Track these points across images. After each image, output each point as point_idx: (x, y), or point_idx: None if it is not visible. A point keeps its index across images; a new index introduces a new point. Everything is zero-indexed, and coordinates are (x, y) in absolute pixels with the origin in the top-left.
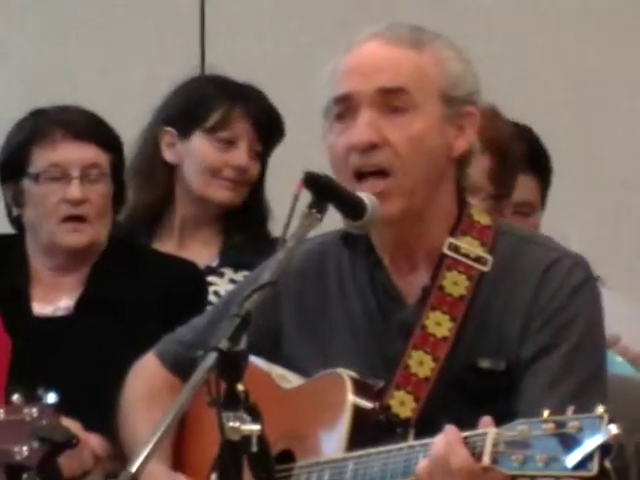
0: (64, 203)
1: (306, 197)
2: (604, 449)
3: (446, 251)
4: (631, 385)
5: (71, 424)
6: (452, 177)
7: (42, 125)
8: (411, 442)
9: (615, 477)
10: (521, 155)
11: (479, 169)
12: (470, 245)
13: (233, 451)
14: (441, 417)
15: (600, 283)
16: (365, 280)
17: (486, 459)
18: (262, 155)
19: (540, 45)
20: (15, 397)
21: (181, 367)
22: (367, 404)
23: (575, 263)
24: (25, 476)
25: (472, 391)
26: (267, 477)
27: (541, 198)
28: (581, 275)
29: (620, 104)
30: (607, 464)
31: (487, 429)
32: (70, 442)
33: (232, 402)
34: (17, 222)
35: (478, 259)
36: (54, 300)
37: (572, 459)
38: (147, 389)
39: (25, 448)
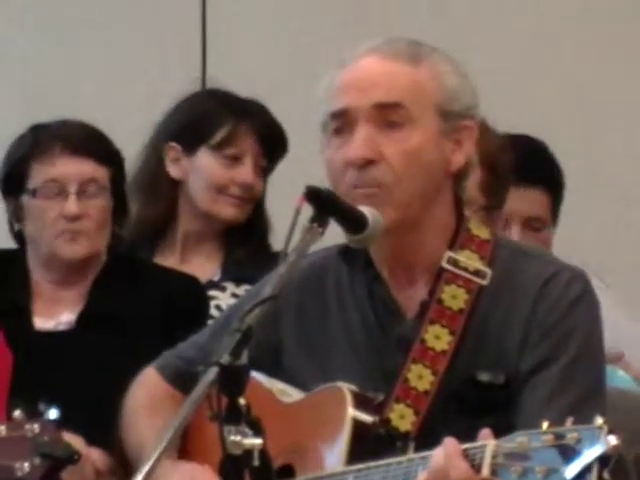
0: (62, 218)
1: (307, 211)
2: (603, 460)
3: (445, 265)
4: (632, 398)
5: (72, 439)
6: (449, 191)
7: (41, 140)
8: (411, 455)
9: None
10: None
11: (471, 181)
12: (469, 259)
13: (235, 465)
14: (441, 430)
15: (601, 290)
16: (364, 294)
17: (485, 471)
18: (266, 171)
19: (539, 58)
20: (17, 413)
21: (181, 381)
22: (367, 418)
23: (573, 276)
24: None
25: (471, 404)
26: None
27: (552, 213)
28: (579, 288)
29: (619, 117)
30: (606, 475)
31: (486, 441)
32: (72, 458)
33: (234, 416)
34: (19, 236)
35: (477, 273)
36: (55, 315)
37: (571, 470)
38: (149, 398)
39: (27, 464)
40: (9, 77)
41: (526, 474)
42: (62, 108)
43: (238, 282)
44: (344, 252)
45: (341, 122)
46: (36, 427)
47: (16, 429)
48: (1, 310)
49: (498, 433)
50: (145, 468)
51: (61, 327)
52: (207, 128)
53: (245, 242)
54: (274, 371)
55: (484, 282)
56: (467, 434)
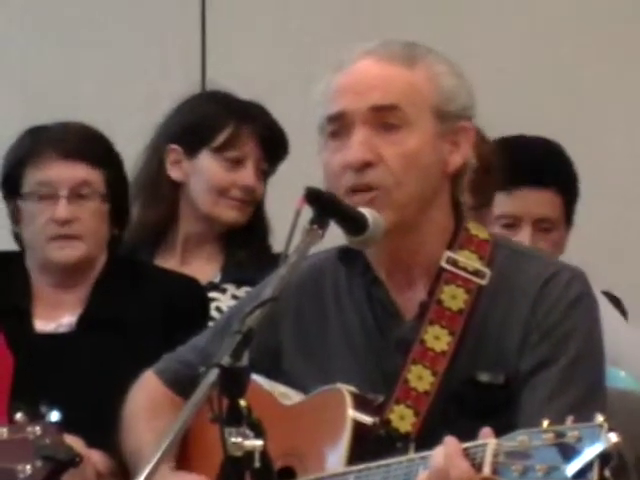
0: (52, 223)
1: (308, 213)
2: (604, 458)
3: (444, 265)
4: (634, 399)
5: (73, 441)
6: (447, 192)
7: (35, 144)
8: (411, 455)
9: None
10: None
11: None
12: (468, 259)
13: (236, 467)
14: (441, 431)
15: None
16: (362, 297)
17: (486, 470)
18: (267, 173)
19: (539, 58)
20: (18, 415)
21: (181, 385)
22: (367, 419)
23: (573, 277)
24: None
25: (471, 405)
26: None
27: (565, 215)
28: (579, 289)
29: (620, 118)
30: (607, 473)
31: (487, 440)
32: (73, 461)
33: (235, 418)
34: (18, 239)
35: (476, 273)
36: (56, 317)
37: (572, 468)
38: (149, 401)
39: (28, 467)
40: (9, 77)
41: (527, 472)
42: (62, 108)
43: (238, 284)
44: (342, 254)
45: (338, 125)
46: (38, 429)
47: (18, 432)
48: (2, 312)
49: (498, 433)
50: (145, 471)
51: (62, 329)
52: (209, 131)
53: (245, 244)
54: (273, 374)
55: (483, 282)
56: (467, 434)
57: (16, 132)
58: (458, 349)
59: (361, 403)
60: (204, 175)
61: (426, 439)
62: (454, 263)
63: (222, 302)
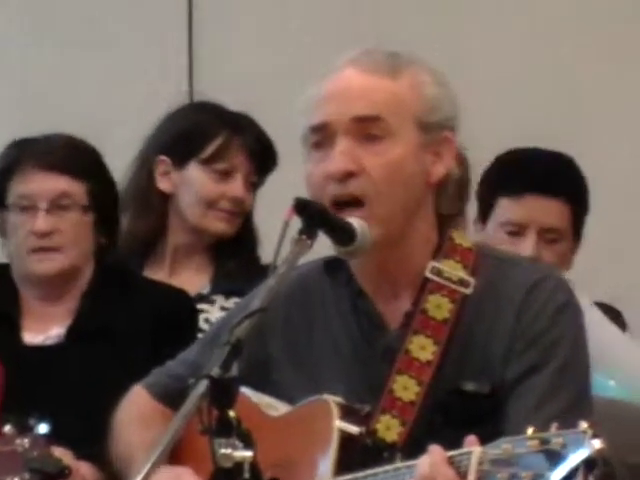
0: (32, 235)
1: (297, 223)
2: (588, 464)
3: (429, 275)
4: (624, 408)
5: (62, 453)
6: (431, 203)
7: (19, 156)
8: (397, 464)
9: None
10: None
11: None
12: (452, 268)
13: (226, 478)
14: (427, 440)
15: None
16: (348, 308)
17: (471, 478)
18: (256, 185)
19: (540, 60)
20: (7, 428)
21: (171, 398)
22: (353, 429)
23: (557, 284)
24: None
25: (457, 414)
26: None
27: (573, 226)
28: (564, 296)
29: (620, 118)
30: (591, 479)
31: (472, 448)
32: (62, 473)
33: (224, 429)
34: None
35: (461, 282)
36: (44, 329)
37: (557, 475)
38: (139, 414)
39: (17, 479)
40: (8, 77)
41: None
42: (59, 108)
43: (227, 295)
44: (327, 265)
45: (321, 136)
46: (26, 442)
47: (6, 444)
48: None
49: (485, 442)
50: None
51: (50, 341)
52: (198, 142)
53: (234, 255)
54: (262, 386)
55: (468, 291)
56: (454, 444)
57: (15, 132)
58: (443, 359)
59: (347, 413)
60: (193, 186)
61: (413, 449)
62: (438, 273)
63: (211, 314)
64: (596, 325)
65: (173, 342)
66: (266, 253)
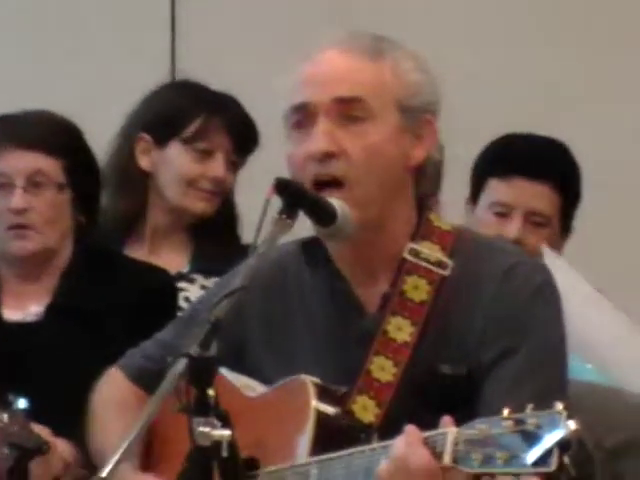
0: (8, 212)
1: (278, 203)
2: (563, 444)
3: (406, 256)
4: (601, 391)
5: (40, 430)
6: (410, 186)
7: None
8: (373, 445)
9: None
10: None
11: None
12: (430, 250)
13: (203, 457)
14: (404, 422)
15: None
16: (325, 290)
17: (447, 458)
18: (237, 165)
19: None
20: None
21: (145, 380)
22: (330, 409)
23: (533, 267)
24: None
25: (434, 396)
26: None
27: (560, 213)
28: (539, 278)
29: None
30: (566, 460)
31: (447, 429)
32: (41, 448)
33: (202, 408)
34: None
35: (439, 263)
36: (24, 307)
37: (532, 455)
38: (114, 399)
39: None
40: None
41: (487, 461)
42: (36, 102)
43: (207, 274)
44: (304, 247)
45: (301, 116)
46: (5, 417)
47: None
48: None
49: (460, 424)
50: (111, 463)
51: (29, 318)
52: (179, 121)
53: (214, 235)
54: (239, 366)
55: (446, 273)
56: (430, 425)
57: None
58: (420, 340)
59: (324, 394)
60: (173, 166)
61: (389, 430)
62: (416, 254)
63: (191, 292)
64: (578, 306)
65: (153, 321)
66: (246, 233)
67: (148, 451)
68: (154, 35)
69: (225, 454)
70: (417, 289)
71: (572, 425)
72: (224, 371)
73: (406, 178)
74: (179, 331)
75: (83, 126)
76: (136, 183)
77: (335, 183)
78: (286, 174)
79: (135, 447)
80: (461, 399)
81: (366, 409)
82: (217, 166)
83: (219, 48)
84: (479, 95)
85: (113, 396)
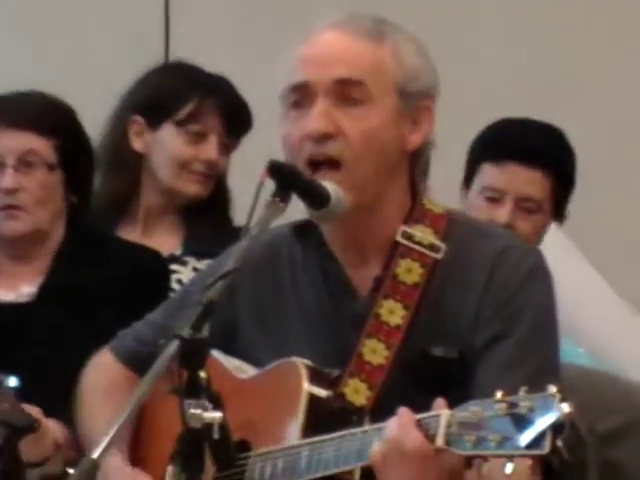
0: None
1: (271, 185)
2: (556, 427)
3: (399, 239)
4: (594, 375)
5: (30, 409)
6: (405, 170)
7: None
8: (365, 427)
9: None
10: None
11: None
12: (423, 233)
13: (195, 439)
14: (396, 404)
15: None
16: (317, 272)
17: (440, 441)
18: (230, 147)
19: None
20: None
21: (136, 362)
22: (322, 392)
23: (526, 251)
24: None
25: (426, 379)
26: (228, 464)
27: (553, 200)
28: (532, 262)
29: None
30: (559, 442)
31: (440, 411)
32: (31, 426)
33: (194, 390)
34: None
35: (431, 247)
36: (16, 287)
37: (525, 438)
38: (102, 383)
39: None
40: None
41: (480, 443)
42: (36, 67)
43: (199, 256)
44: (297, 230)
45: (300, 95)
46: None
47: None
48: None
49: (453, 407)
50: (106, 438)
51: (22, 299)
52: (172, 103)
53: (207, 217)
54: (229, 349)
55: (439, 256)
56: (422, 408)
57: None
58: (413, 323)
59: (316, 376)
60: (166, 148)
61: (381, 413)
62: (409, 237)
63: (183, 274)
64: (576, 290)
65: (145, 303)
66: (239, 215)
67: (137, 436)
68: (148, 17)
69: (216, 436)
70: (410, 272)
71: (565, 408)
72: (216, 353)
73: (402, 162)
74: (171, 312)
75: (76, 108)
76: (129, 165)
77: (330, 164)
78: (279, 157)
79: (124, 431)
80: (454, 382)
81: (358, 392)
82: (210, 148)
83: (213, 31)
84: (479, 78)
85: (102, 380)
